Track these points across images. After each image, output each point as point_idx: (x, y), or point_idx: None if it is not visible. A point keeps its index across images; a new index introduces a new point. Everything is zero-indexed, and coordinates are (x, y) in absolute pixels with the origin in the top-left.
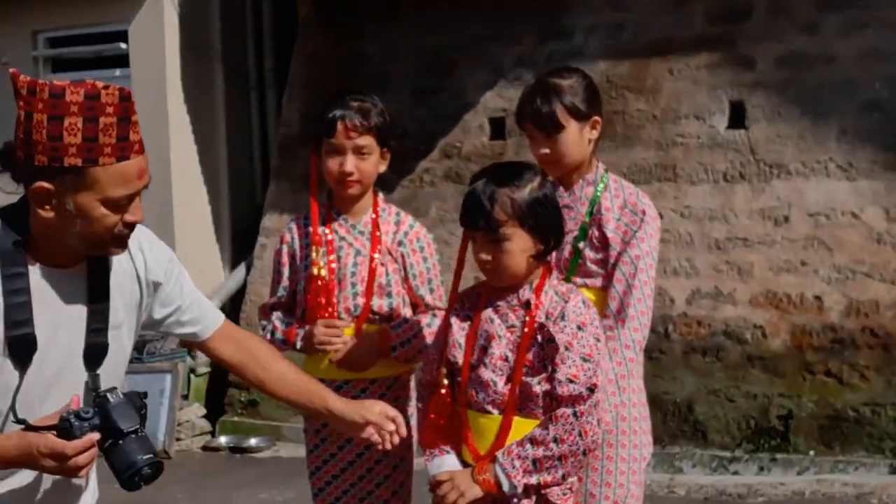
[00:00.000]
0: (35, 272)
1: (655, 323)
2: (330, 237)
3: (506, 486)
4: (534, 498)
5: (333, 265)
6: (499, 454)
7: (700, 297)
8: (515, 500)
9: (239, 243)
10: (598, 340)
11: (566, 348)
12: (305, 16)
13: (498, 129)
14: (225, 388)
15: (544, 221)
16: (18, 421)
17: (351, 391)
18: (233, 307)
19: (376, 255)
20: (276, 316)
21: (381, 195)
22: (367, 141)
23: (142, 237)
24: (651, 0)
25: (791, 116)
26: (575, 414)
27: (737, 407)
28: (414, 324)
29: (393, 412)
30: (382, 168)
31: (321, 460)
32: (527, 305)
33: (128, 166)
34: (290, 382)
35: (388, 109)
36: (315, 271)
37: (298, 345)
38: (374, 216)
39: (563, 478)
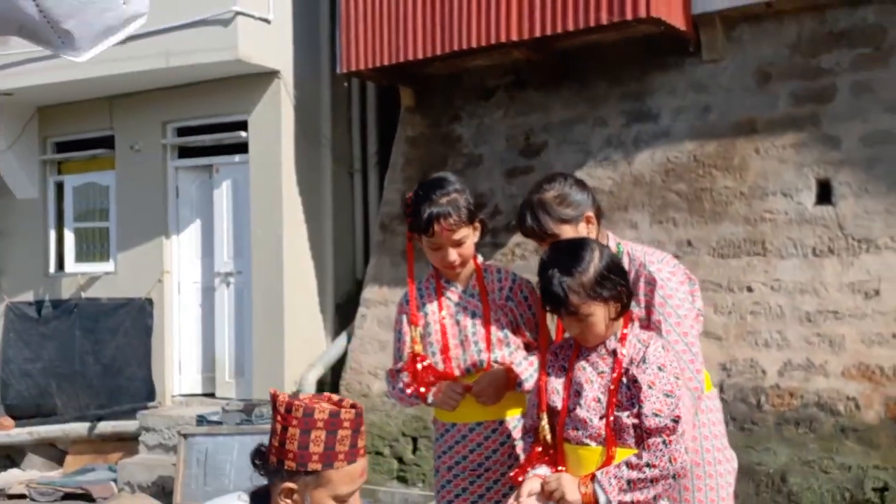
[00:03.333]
0: None
1: (747, 394)
2: (445, 304)
3: (602, 501)
4: None
5: (454, 330)
6: (598, 473)
7: (792, 368)
8: None
9: (341, 314)
10: (678, 378)
11: (649, 387)
12: (407, 104)
13: None
14: None
15: (613, 290)
16: None
17: (482, 432)
18: (333, 374)
19: (490, 313)
20: (404, 376)
21: (479, 257)
22: (464, 232)
23: None
24: (735, 82)
25: (878, 192)
26: (664, 442)
27: (831, 478)
28: (532, 362)
29: None
30: (477, 238)
31: (453, 494)
32: (613, 353)
33: (355, 468)
34: None
35: (480, 188)
36: (415, 349)
37: (430, 399)
38: (479, 278)
39: (655, 499)
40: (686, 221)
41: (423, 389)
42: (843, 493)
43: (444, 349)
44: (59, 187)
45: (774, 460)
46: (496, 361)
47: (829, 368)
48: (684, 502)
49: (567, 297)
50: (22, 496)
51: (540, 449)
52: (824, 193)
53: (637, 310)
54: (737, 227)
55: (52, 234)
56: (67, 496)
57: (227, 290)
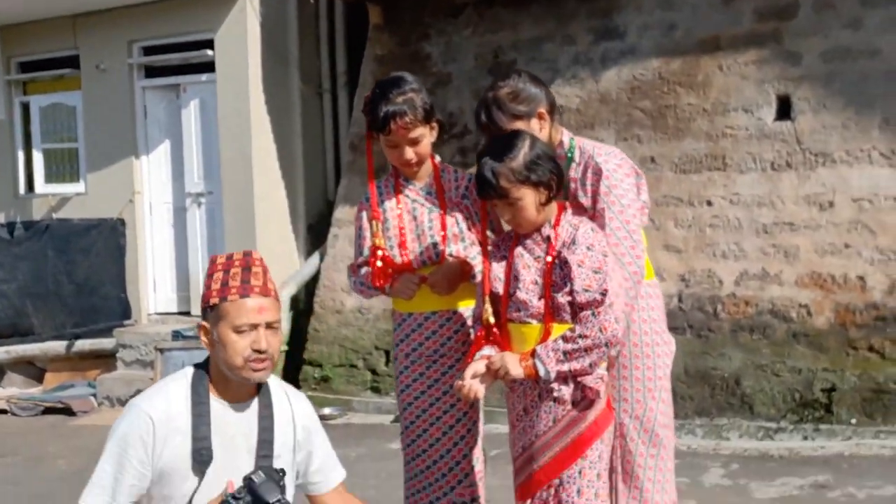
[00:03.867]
0: (214, 403)
1: (704, 303)
2: (403, 201)
3: (542, 372)
4: (571, 385)
5: (411, 225)
6: (538, 348)
7: (748, 278)
8: (556, 385)
9: (313, 233)
10: (606, 256)
11: (579, 266)
12: (375, 22)
13: None
14: (300, 366)
15: (543, 175)
16: None
17: (437, 320)
18: (307, 293)
19: (446, 209)
20: (365, 271)
21: (437, 157)
22: (419, 131)
23: (288, 389)
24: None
25: (835, 107)
26: (594, 314)
27: (782, 381)
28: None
29: None
30: (434, 138)
31: (410, 379)
32: (548, 239)
33: (248, 302)
34: None
35: (448, 107)
36: (375, 242)
37: (388, 290)
38: (437, 177)
39: (591, 366)
40: (650, 138)
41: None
42: (793, 394)
43: (402, 243)
44: (26, 108)
45: (729, 365)
46: (451, 255)
47: (783, 277)
48: (622, 380)
49: (497, 181)
50: (3, 411)
51: (484, 332)
52: (784, 109)
53: (584, 199)
54: (699, 143)
55: (21, 156)
56: (48, 411)
57: (198, 211)
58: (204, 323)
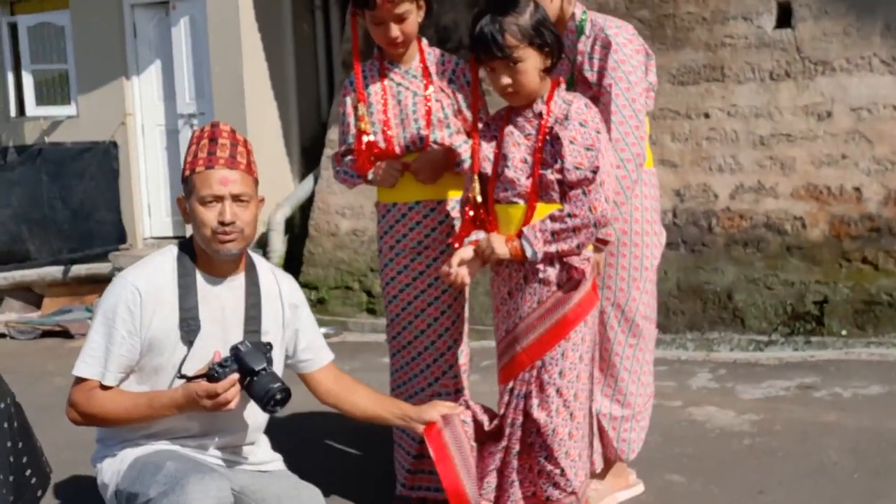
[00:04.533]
0: (200, 277)
1: (699, 218)
2: (387, 85)
3: (529, 253)
4: (557, 266)
5: (395, 109)
6: (524, 228)
7: (743, 191)
8: (541, 267)
9: (307, 156)
10: (599, 133)
11: (570, 142)
12: None
13: None
14: None
15: (547, 39)
16: (181, 377)
17: (421, 210)
18: (302, 215)
19: (431, 94)
20: (349, 159)
21: (424, 40)
22: (406, 6)
23: (274, 269)
24: None
25: (837, 14)
26: (584, 192)
27: (775, 294)
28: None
29: (450, 403)
30: (421, 19)
31: (395, 272)
32: (539, 116)
33: (213, 173)
34: (375, 403)
35: (443, 20)
36: (361, 126)
37: (370, 177)
38: (423, 60)
39: (578, 247)
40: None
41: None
42: (784, 307)
43: (386, 128)
44: (13, 28)
45: (722, 279)
46: (435, 142)
47: (778, 190)
48: (608, 266)
49: (504, 36)
50: (1, 335)
51: (472, 214)
52: (784, 16)
53: (590, 74)
54: (697, 53)
55: (10, 78)
56: (46, 334)
57: (190, 132)
58: (181, 196)
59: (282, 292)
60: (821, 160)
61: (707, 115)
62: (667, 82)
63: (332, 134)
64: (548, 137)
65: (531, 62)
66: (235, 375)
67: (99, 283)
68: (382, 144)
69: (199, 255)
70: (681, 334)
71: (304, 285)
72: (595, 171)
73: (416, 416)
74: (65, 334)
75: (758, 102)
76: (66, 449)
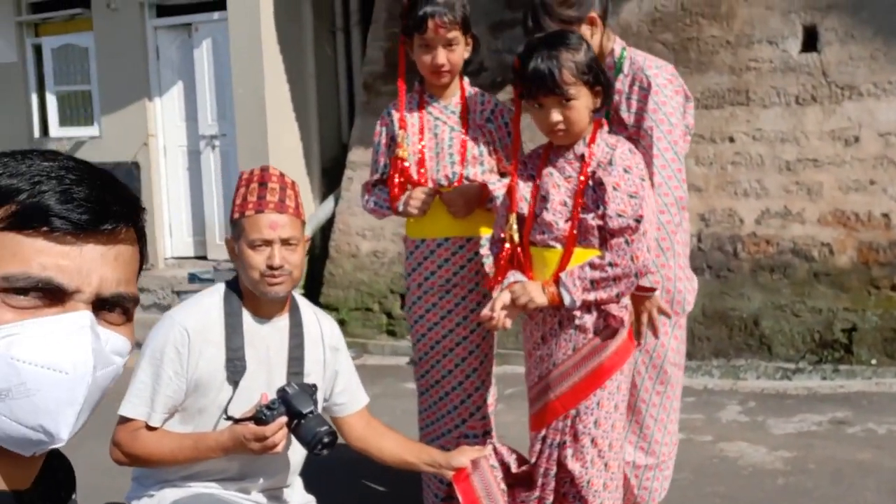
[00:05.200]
0: (246, 317)
1: (724, 243)
2: (425, 118)
3: (567, 300)
4: (594, 313)
5: (430, 143)
6: (562, 275)
7: (769, 216)
8: (577, 313)
9: (327, 177)
10: (643, 180)
11: (614, 189)
12: None
13: None
14: None
15: (600, 78)
16: (227, 418)
17: (450, 247)
18: (322, 236)
19: (468, 131)
20: (379, 188)
21: (466, 79)
22: (455, 34)
23: (316, 310)
24: None
25: (863, 38)
26: (627, 241)
27: (802, 321)
28: (505, 184)
29: (478, 448)
30: (467, 55)
31: (423, 310)
32: (581, 158)
33: (262, 217)
34: (404, 449)
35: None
36: (399, 153)
37: (401, 208)
38: (462, 98)
39: (618, 297)
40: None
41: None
42: (812, 334)
43: (420, 161)
44: (38, 50)
45: (748, 305)
46: (468, 178)
47: (805, 216)
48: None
49: (561, 72)
50: None
51: (508, 250)
52: (810, 40)
53: (627, 115)
54: (722, 76)
55: (35, 99)
56: None
57: (212, 153)
58: (230, 238)
59: (323, 334)
60: (848, 186)
61: (732, 140)
62: None
63: (353, 155)
64: (590, 182)
65: (583, 101)
66: (284, 419)
67: None
68: (416, 176)
69: (246, 295)
70: (706, 361)
71: (324, 307)
72: (639, 220)
73: (445, 462)
74: None
75: (784, 127)
76: (90, 472)
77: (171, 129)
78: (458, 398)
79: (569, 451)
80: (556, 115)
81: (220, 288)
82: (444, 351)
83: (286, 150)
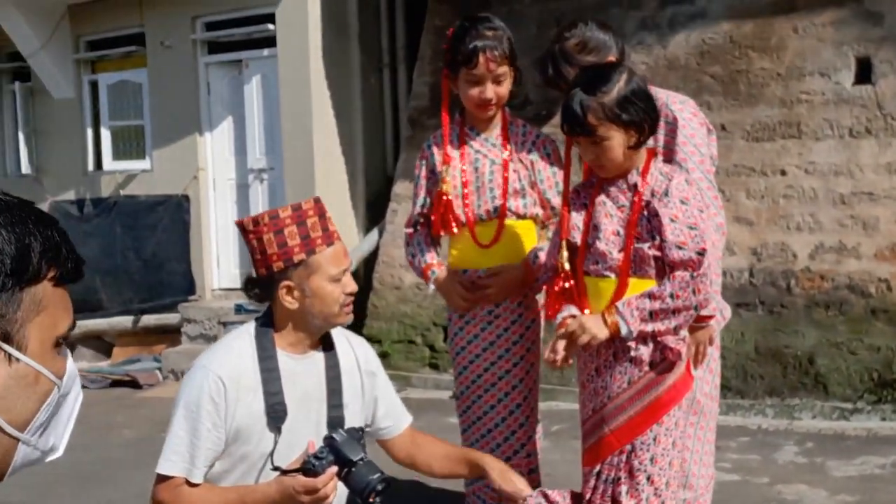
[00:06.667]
0: (281, 357)
1: (777, 278)
2: (466, 152)
3: (623, 331)
4: (650, 345)
5: (472, 176)
6: (618, 304)
7: (823, 251)
8: (632, 344)
9: (372, 209)
10: (702, 212)
11: (671, 220)
12: None
13: None
14: None
15: (635, 116)
16: (274, 468)
17: (501, 324)
18: (366, 268)
19: (510, 164)
20: (418, 241)
21: (507, 109)
22: (504, 69)
23: (349, 336)
24: None
25: None
26: (691, 275)
27: (859, 359)
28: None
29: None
30: (512, 86)
31: (465, 341)
32: (634, 187)
33: (336, 249)
34: (453, 462)
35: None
36: (443, 188)
37: (431, 288)
38: (504, 129)
39: (676, 329)
40: (721, 105)
41: (430, 262)
42: (870, 373)
43: (463, 195)
44: (94, 86)
45: (802, 343)
46: (510, 210)
47: (861, 250)
48: None
49: (585, 115)
50: None
51: (562, 285)
52: (864, 72)
53: (660, 149)
54: (772, 109)
55: (90, 133)
56: (115, 383)
57: (260, 187)
58: (288, 282)
59: (358, 361)
60: None
61: (784, 173)
62: (740, 138)
63: (398, 188)
64: (644, 212)
65: (616, 140)
66: (334, 468)
67: (167, 334)
68: (458, 211)
69: (280, 334)
70: (760, 400)
71: (367, 338)
72: (701, 254)
73: (496, 481)
74: (133, 384)
75: (837, 160)
76: None
77: (221, 163)
78: (501, 435)
79: (623, 488)
80: (589, 153)
81: (250, 328)
82: (487, 385)
83: (332, 182)
